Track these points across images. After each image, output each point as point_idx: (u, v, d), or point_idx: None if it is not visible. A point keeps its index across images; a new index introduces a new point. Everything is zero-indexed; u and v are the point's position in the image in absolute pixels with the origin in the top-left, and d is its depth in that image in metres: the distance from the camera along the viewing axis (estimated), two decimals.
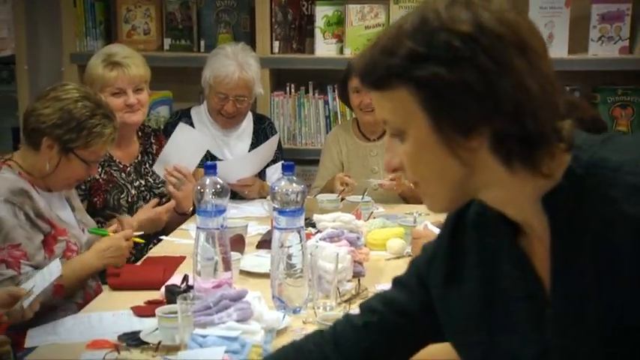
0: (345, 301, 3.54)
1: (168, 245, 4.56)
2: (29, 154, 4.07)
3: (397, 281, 2.34)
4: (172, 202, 4.86)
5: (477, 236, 2.07)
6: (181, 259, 4.28)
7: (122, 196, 4.86)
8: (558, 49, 6.00)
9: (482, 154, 1.79)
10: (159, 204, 4.83)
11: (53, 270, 3.44)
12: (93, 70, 4.82)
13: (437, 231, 4.03)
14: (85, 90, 4.17)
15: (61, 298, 3.93)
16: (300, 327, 3.42)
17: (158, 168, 4.95)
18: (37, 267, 3.85)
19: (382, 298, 2.34)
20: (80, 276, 4.01)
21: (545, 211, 1.83)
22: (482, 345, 2.03)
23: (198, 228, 3.56)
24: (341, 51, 6.36)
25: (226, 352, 2.76)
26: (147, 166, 5.09)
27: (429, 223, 4.16)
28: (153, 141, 5.17)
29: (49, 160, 3.99)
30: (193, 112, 5.65)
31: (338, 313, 3.34)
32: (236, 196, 5.16)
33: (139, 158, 5.05)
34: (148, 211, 4.74)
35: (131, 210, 4.88)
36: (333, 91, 6.39)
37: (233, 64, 5.37)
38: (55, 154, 3.99)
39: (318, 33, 6.36)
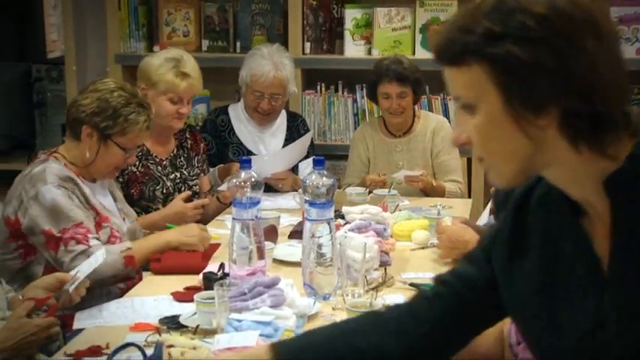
0: (372, 289, 3.53)
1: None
2: (72, 145, 4.15)
3: (468, 256, 2.34)
4: (203, 201, 4.86)
5: (542, 215, 2.06)
6: (217, 245, 4.31)
7: (157, 187, 4.87)
8: None
9: (550, 133, 1.78)
10: (189, 200, 4.82)
11: (98, 257, 3.47)
12: (159, 73, 4.78)
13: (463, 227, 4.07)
14: (121, 83, 4.26)
15: (133, 268, 4.00)
16: (329, 313, 3.42)
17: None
18: (99, 240, 3.94)
19: (454, 272, 2.34)
20: (151, 250, 4.06)
21: (607, 193, 1.83)
22: (542, 320, 2.03)
23: (233, 219, 3.56)
24: (369, 52, 6.36)
25: (260, 335, 2.76)
26: (182, 159, 5.09)
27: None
28: (188, 136, 5.17)
29: (89, 148, 4.06)
30: (230, 110, 5.65)
31: (365, 300, 3.32)
32: (270, 189, 5.15)
33: (175, 152, 5.05)
34: (175, 206, 4.74)
35: (166, 201, 4.89)
36: (362, 89, 6.40)
37: (269, 63, 5.38)
38: (94, 142, 4.05)
39: (347, 35, 6.37)
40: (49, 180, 3.94)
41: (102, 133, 4.05)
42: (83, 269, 3.42)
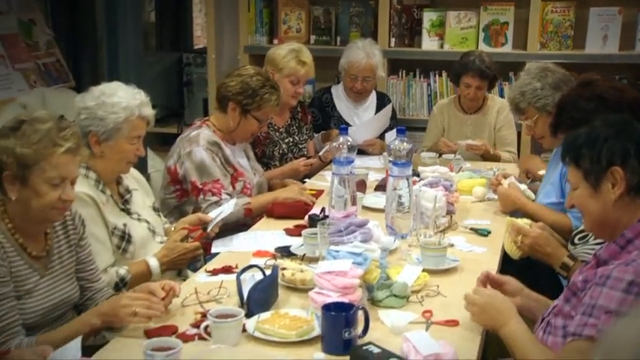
0: (440, 231, 3.54)
1: (310, 186, 4.63)
2: (220, 117, 4.30)
3: None
4: (311, 160, 4.91)
5: None
6: (321, 192, 4.38)
7: (275, 149, 4.91)
8: (611, 47, 5.88)
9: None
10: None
11: (231, 205, 3.63)
12: (285, 60, 4.84)
13: (521, 186, 4.06)
14: (258, 69, 4.37)
15: (249, 217, 4.09)
16: (406, 248, 3.44)
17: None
18: (230, 196, 4.02)
19: None
20: (263, 204, 4.14)
21: None
22: None
23: (333, 174, 3.60)
24: (441, 46, 6.32)
25: (353, 263, 2.76)
26: (294, 128, 5.14)
27: (514, 179, 4.17)
28: (299, 110, 5.21)
29: (232, 120, 4.23)
30: (332, 90, 5.66)
31: (434, 239, 3.34)
32: (361, 152, 5.14)
33: (289, 122, 5.11)
34: (293, 163, 4.83)
35: (281, 160, 4.95)
36: (434, 76, 6.39)
37: (362, 53, 5.39)
38: (237, 115, 4.22)
39: (424, 32, 6.33)
40: (201, 143, 4.09)
41: (243, 109, 4.21)
42: (218, 214, 3.56)
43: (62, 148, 2.65)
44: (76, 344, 2.35)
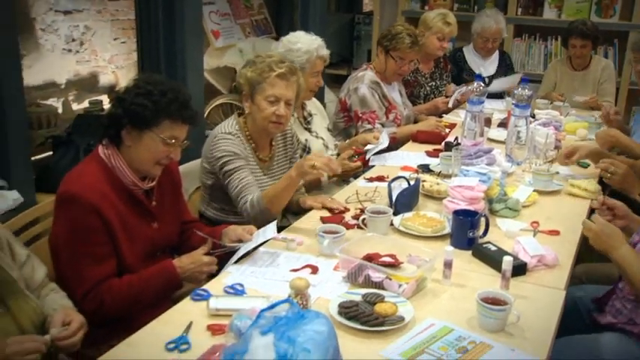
0: (549, 162, 3.37)
1: (445, 120, 4.47)
2: (379, 60, 4.13)
3: None
4: (449, 99, 4.74)
5: None
6: (454, 125, 4.24)
7: (421, 90, 4.76)
8: None
9: None
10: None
11: (385, 141, 3.49)
12: (434, 21, 4.63)
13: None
14: (406, 25, 4.17)
15: (393, 144, 3.87)
16: (520, 173, 3.30)
17: None
18: (383, 125, 3.94)
19: None
20: (406, 133, 4.02)
21: None
22: None
23: (467, 111, 3.45)
24: (559, 16, 6.03)
25: (480, 180, 2.70)
26: (436, 75, 4.89)
27: None
28: (441, 61, 4.97)
29: (386, 62, 4.06)
30: (465, 49, 5.44)
31: (544, 167, 3.20)
32: (489, 96, 4.97)
33: (433, 69, 4.88)
34: (435, 101, 4.65)
35: (425, 99, 4.78)
36: (551, 40, 6.13)
37: (492, 20, 5.14)
38: (382, 56, 4.07)
39: (546, 4, 6.06)
40: (365, 82, 3.99)
41: (385, 49, 4.05)
42: (375, 146, 3.45)
43: (275, 72, 2.73)
44: (273, 226, 2.36)
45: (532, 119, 3.86)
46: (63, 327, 1.83)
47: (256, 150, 2.86)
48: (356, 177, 3.35)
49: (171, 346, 1.77)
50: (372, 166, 3.42)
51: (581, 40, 4.99)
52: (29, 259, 2.03)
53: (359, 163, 3.31)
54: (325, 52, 3.45)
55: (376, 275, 2.09)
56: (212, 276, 2.23)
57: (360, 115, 3.93)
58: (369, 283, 2.10)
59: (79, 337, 1.84)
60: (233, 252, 2.28)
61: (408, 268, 2.18)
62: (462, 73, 5.25)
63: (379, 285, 2.08)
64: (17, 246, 2.02)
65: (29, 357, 1.71)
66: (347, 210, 2.79)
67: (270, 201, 2.57)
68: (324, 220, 2.66)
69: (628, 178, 3.01)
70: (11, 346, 1.69)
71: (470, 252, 2.38)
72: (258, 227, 2.37)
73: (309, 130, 3.46)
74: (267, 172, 2.90)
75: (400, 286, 2.05)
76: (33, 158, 3.57)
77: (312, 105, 3.65)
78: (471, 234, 2.41)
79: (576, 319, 2.48)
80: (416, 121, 4.36)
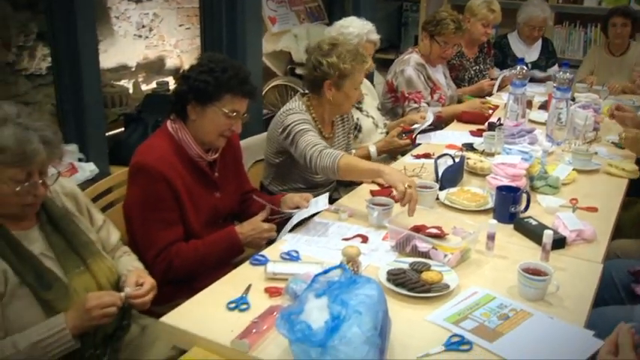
0: (587, 142, 3.30)
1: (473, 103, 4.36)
2: (424, 44, 4.04)
3: None
4: (494, 82, 4.65)
5: None
6: (497, 106, 4.11)
7: (466, 73, 4.65)
8: None
9: None
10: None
11: (430, 119, 3.43)
12: (479, 8, 4.54)
13: None
14: (450, 11, 4.06)
15: (439, 122, 3.86)
16: (560, 153, 3.21)
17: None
18: (429, 104, 3.87)
19: None
20: (450, 113, 3.97)
21: None
22: None
23: (509, 93, 3.40)
24: (599, 3, 5.86)
25: (522, 158, 2.65)
26: (480, 59, 4.78)
27: None
28: (485, 46, 4.88)
29: (431, 46, 3.98)
30: (509, 36, 5.31)
31: (583, 147, 3.13)
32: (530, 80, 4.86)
33: (477, 55, 4.79)
34: (480, 83, 4.57)
35: (469, 82, 4.66)
36: (591, 27, 5.97)
37: (539, 10, 5.01)
38: (427, 40, 3.99)
39: None
40: (410, 64, 3.92)
41: (430, 34, 3.97)
42: (421, 125, 3.39)
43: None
44: (324, 197, 2.36)
45: (572, 102, 3.77)
46: (137, 287, 1.85)
47: (320, 129, 2.81)
48: (403, 154, 3.31)
49: (232, 305, 1.78)
50: (419, 144, 3.38)
51: (622, 19, 4.88)
52: (105, 224, 2.07)
53: (407, 141, 3.28)
54: (375, 36, 3.41)
55: (423, 245, 2.07)
56: (269, 243, 2.24)
57: (407, 95, 3.87)
58: (416, 252, 2.08)
59: (149, 297, 1.86)
60: (288, 219, 2.28)
61: (453, 240, 2.16)
62: (506, 59, 5.14)
63: (425, 254, 2.06)
64: (95, 211, 2.06)
65: (107, 310, 1.74)
66: None
67: (346, 167, 2.42)
68: (373, 193, 2.64)
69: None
70: (91, 300, 1.73)
71: (511, 226, 2.34)
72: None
73: (360, 109, 3.43)
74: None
75: (445, 255, 2.03)
76: (107, 134, 3.63)
77: (364, 85, 3.57)
78: (512, 209, 2.37)
79: (612, 292, 2.42)
80: (459, 102, 4.28)
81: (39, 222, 1.85)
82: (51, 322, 1.72)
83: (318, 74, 2.73)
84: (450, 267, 1.99)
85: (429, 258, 2.04)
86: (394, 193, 2.61)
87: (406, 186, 2.23)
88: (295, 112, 2.68)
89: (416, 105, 3.84)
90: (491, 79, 4.58)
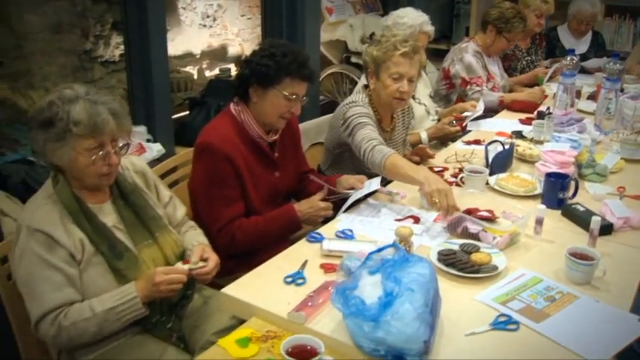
0: (636, 132, 3.15)
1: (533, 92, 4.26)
2: (481, 36, 3.98)
3: None
4: (548, 70, 4.52)
5: None
6: (545, 96, 3.98)
7: (518, 63, 4.55)
8: None
9: None
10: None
11: (481, 109, 3.35)
12: (532, 0, 4.44)
13: None
14: (513, 4, 3.97)
15: (501, 106, 3.79)
16: (608, 142, 3.09)
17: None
18: (481, 90, 3.79)
19: None
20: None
21: None
22: None
23: (559, 83, 3.30)
24: None
25: (570, 146, 2.57)
26: (532, 50, 4.67)
27: None
28: (538, 37, 4.74)
29: (489, 38, 3.91)
30: (559, 28, 5.15)
31: (631, 137, 2.99)
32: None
33: (529, 45, 4.66)
34: (535, 70, 4.46)
35: (521, 72, 4.56)
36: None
37: (588, 4, 4.84)
38: (493, 35, 3.89)
39: None
40: (469, 51, 3.87)
41: (498, 30, 3.88)
42: (473, 113, 3.32)
43: (399, 51, 2.55)
44: (377, 179, 2.34)
45: (620, 93, 3.64)
46: (202, 261, 1.87)
47: (380, 122, 2.73)
48: (454, 140, 3.26)
49: (289, 279, 1.79)
50: (469, 131, 3.32)
51: None
52: (172, 200, 2.09)
53: (457, 128, 3.22)
54: (429, 28, 3.33)
55: (474, 227, 2.03)
56: (325, 221, 2.23)
57: (468, 80, 3.81)
58: (466, 234, 2.04)
59: (213, 272, 1.89)
60: (344, 199, 2.26)
61: (503, 223, 2.11)
62: (555, 51, 5.00)
63: (475, 236, 2.02)
64: (162, 188, 2.09)
65: (173, 286, 1.78)
66: (446, 169, 2.72)
67: (391, 168, 2.33)
68: None
69: None
70: (159, 275, 1.75)
71: (559, 212, 2.27)
72: (372, 171, 2.36)
73: (412, 97, 3.37)
74: (389, 142, 2.77)
75: (494, 238, 1.99)
76: (173, 117, 3.68)
77: None
78: (561, 195, 2.30)
79: None
80: (510, 91, 4.19)
81: (112, 196, 1.90)
82: (124, 290, 1.76)
83: (364, 64, 2.69)
84: (498, 249, 1.95)
85: (479, 240, 2.00)
86: (446, 177, 2.58)
87: (436, 201, 2.14)
88: (357, 105, 2.62)
89: (478, 88, 3.79)
90: (546, 68, 4.47)
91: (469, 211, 2.11)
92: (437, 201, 2.12)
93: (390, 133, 2.81)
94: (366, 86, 2.74)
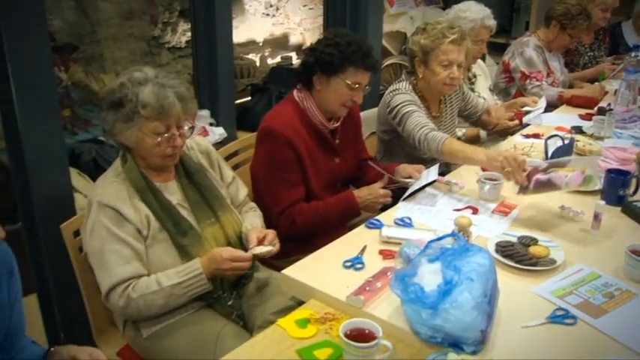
0: None
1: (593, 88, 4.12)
2: (544, 31, 3.88)
3: None
4: (614, 66, 4.37)
5: None
6: (606, 92, 3.81)
7: (580, 58, 4.42)
8: None
9: None
10: None
11: (542, 108, 3.25)
12: None
13: None
14: (578, 1, 3.80)
15: (560, 101, 3.68)
16: None
17: None
18: (541, 85, 3.70)
19: None
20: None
21: None
22: None
23: (622, 79, 3.18)
24: None
25: (632, 143, 2.48)
26: (595, 45, 4.54)
27: None
28: (601, 32, 4.59)
29: (552, 33, 3.81)
30: (623, 25, 4.90)
31: None
32: None
33: (593, 40, 4.50)
34: (600, 65, 4.33)
35: (583, 67, 4.43)
36: None
37: None
38: (557, 30, 3.79)
39: None
40: (530, 45, 3.78)
41: (562, 26, 3.76)
42: (535, 109, 3.23)
43: (448, 39, 2.51)
44: (435, 169, 2.30)
45: None
46: (270, 246, 1.89)
47: (428, 108, 2.71)
48: (512, 134, 3.18)
49: (348, 264, 1.78)
50: (528, 125, 3.24)
51: None
52: (234, 181, 2.11)
53: (516, 122, 3.14)
54: (491, 22, 3.23)
55: (544, 177, 2.03)
56: (384, 208, 2.21)
57: (528, 74, 3.73)
58: (539, 186, 2.02)
59: (277, 248, 1.92)
60: (403, 188, 2.24)
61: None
62: (618, 47, 4.83)
63: (550, 184, 2.01)
64: (225, 168, 2.11)
65: (237, 271, 1.83)
66: None
67: (449, 153, 2.32)
68: (484, 168, 2.54)
69: None
70: (225, 262, 1.78)
71: (619, 208, 2.19)
72: (424, 156, 2.33)
73: (472, 90, 3.32)
74: (439, 127, 2.73)
75: (566, 176, 1.98)
76: (235, 102, 3.71)
77: (477, 66, 3.49)
78: (621, 192, 2.22)
79: None
80: (570, 87, 4.07)
81: (177, 176, 1.93)
82: (190, 265, 1.79)
83: (411, 53, 2.65)
84: (573, 186, 1.97)
85: (553, 185, 1.99)
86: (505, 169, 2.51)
87: (501, 159, 2.12)
88: (401, 92, 2.59)
89: (538, 83, 3.70)
90: (613, 63, 4.32)
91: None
92: (509, 169, 2.09)
93: (438, 119, 2.76)
94: (410, 73, 2.70)
